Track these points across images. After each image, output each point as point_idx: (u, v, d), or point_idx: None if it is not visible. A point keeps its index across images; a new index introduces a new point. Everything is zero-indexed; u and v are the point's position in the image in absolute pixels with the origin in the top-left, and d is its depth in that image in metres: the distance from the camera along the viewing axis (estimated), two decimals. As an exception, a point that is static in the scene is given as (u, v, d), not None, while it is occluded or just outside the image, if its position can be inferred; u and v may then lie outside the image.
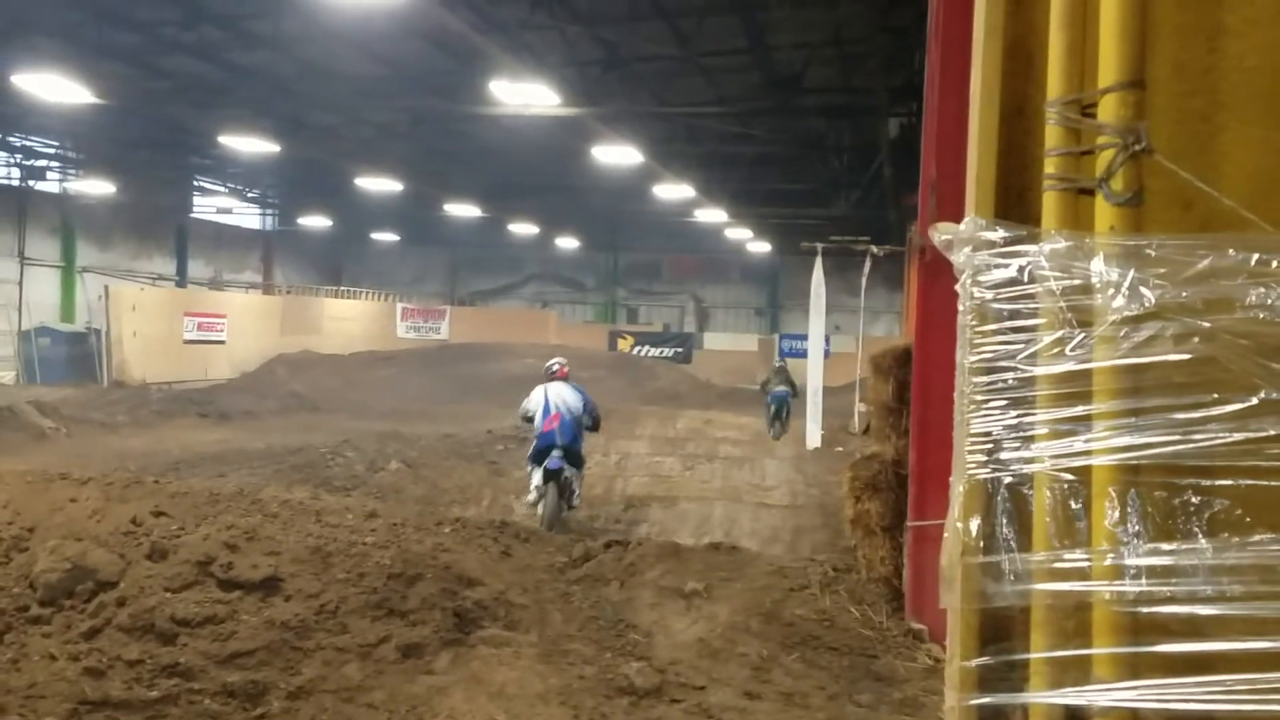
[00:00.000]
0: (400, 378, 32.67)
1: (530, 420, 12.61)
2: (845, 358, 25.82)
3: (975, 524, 1.96)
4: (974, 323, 2.00)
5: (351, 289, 45.06)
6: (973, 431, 1.98)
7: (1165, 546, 1.73)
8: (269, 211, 44.58)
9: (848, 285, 20.54)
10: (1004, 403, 1.93)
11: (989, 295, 1.96)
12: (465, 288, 50.86)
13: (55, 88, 17.73)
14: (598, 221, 41.88)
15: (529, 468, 12.53)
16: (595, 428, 13.23)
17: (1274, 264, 1.71)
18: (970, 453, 1.98)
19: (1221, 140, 1.93)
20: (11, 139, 29.81)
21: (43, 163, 31.90)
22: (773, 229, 36.76)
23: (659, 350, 45.30)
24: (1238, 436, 1.70)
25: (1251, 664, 1.63)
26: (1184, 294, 1.75)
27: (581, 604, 7.37)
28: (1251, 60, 1.92)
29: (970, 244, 2.00)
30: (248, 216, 43.77)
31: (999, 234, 1.98)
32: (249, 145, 23.49)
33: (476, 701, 5.59)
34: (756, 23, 17.32)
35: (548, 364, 13.31)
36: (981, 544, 1.95)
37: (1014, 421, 1.92)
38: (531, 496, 12.30)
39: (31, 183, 31.63)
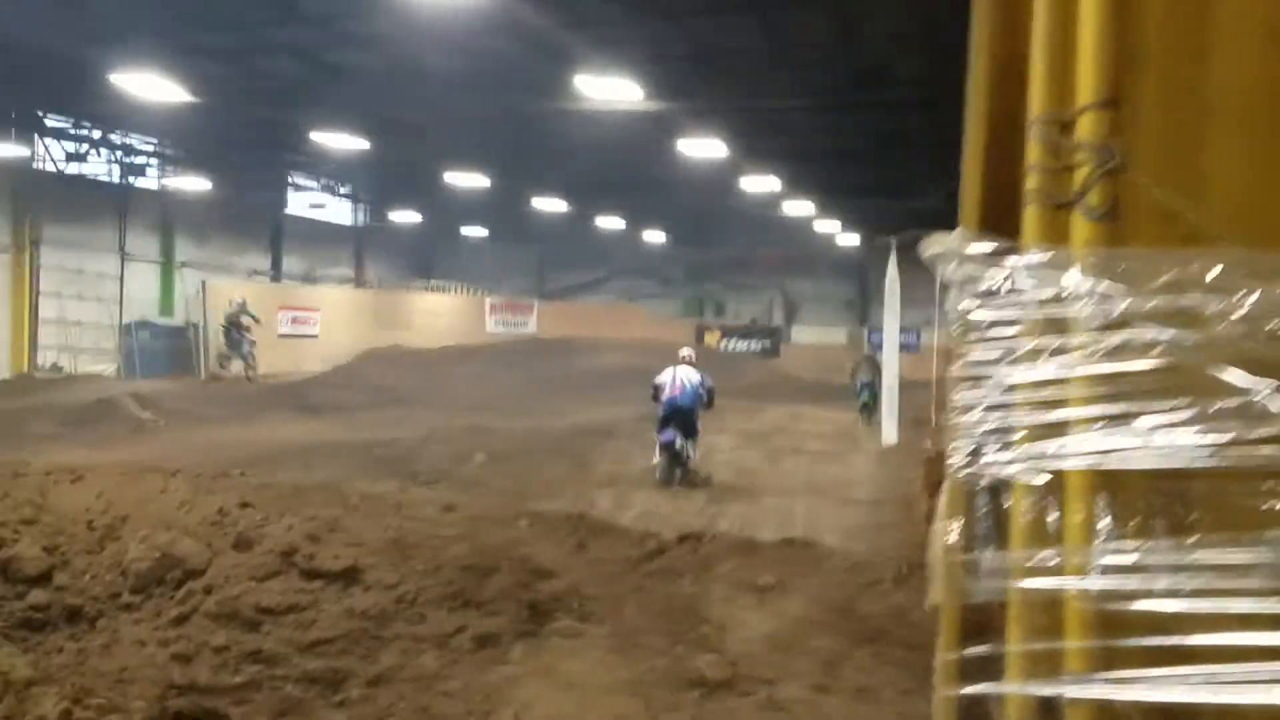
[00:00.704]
0: (488, 372, 32.93)
1: (659, 392, 15.32)
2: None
3: (958, 523, 2.06)
4: (959, 332, 2.09)
5: (441, 283, 45.47)
6: (958, 435, 2.08)
7: (1132, 545, 1.81)
8: (361, 207, 45.17)
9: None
10: (986, 408, 2.03)
11: (973, 305, 2.05)
12: (552, 283, 50.98)
13: (153, 87, 18.29)
14: (684, 215, 41.67)
15: (656, 435, 15.26)
16: (710, 402, 15.91)
17: (1236, 276, 1.77)
18: (955, 455, 2.08)
19: (1204, 157, 1.97)
20: (112, 137, 30.60)
21: (142, 160, 32.73)
22: (861, 221, 36.48)
23: (746, 344, 45.07)
24: (1202, 441, 1.77)
25: (1214, 658, 1.71)
26: (1153, 305, 1.82)
27: (655, 597, 7.48)
28: (1235, 78, 1.96)
29: (957, 256, 2.09)
30: (340, 212, 44.38)
31: (984, 247, 2.07)
32: (341, 142, 23.98)
33: (549, 692, 5.72)
34: (844, 14, 17.22)
35: (680, 351, 16.67)
36: (963, 542, 2.06)
37: (995, 426, 2.01)
38: (655, 460, 15.14)
39: (131, 180, 32.44)
